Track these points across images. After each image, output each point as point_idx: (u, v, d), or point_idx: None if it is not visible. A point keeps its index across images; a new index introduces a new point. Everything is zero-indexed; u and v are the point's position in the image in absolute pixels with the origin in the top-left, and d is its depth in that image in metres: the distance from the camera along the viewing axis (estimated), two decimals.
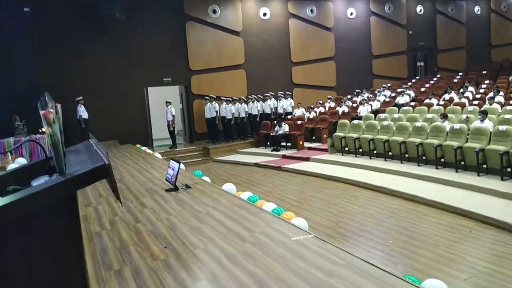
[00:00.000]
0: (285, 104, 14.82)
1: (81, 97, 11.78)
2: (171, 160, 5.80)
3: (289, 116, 14.21)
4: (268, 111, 14.41)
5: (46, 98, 0.94)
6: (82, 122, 11.74)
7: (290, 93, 14.83)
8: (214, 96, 13.64)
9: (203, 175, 6.96)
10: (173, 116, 12.85)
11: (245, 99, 14.29)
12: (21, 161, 7.47)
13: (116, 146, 12.10)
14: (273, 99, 14.58)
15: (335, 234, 5.76)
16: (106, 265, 3.23)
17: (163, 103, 13.17)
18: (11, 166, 6.65)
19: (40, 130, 9.70)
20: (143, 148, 11.22)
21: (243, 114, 13.90)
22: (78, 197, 4.29)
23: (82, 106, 11.82)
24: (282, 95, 14.90)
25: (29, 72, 10.42)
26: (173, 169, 5.63)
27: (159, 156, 9.65)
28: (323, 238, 5.52)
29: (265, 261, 3.05)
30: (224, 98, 13.77)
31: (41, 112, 0.95)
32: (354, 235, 5.72)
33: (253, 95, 14.41)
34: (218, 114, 13.53)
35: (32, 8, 11.30)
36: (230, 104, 13.69)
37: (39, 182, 1.16)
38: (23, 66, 10.27)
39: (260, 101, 14.41)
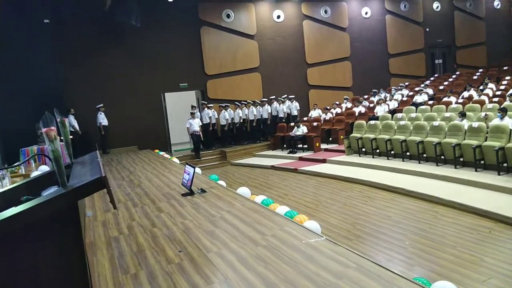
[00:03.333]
0: (291, 107, 14.50)
1: (101, 105, 12.08)
2: (186, 165, 5.90)
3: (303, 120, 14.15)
4: (266, 115, 14.26)
5: (48, 117, 1.01)
6: (102, 129, 12.03)
7: (294, 96, 14.62)
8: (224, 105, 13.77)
9: (218, 179, 7.05)
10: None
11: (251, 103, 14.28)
12: (44, 168, 7.71)
13: (135, 151, 12.35)
14: (275, 102, 14.42)
15: (351, 236, 5.75)
16: (123, 269, 3.33)
17: (180, 108, 13.33)
18: (34, 174, 6.88)
19: (61, 138, 9.99)
20: (161, 153, 11.41)
21: (251, 117, 14.04)
22: (97, 203, 4.39)
23: (102, 113, 12.11)
24: (283, 99, 14.48)
25: (51, 81, 10.73)
26: (188, 174, 5.73)
27: (177, 161, 9.80)
28: (339, 240, 5.57)
29: (276, 264, 3.10)
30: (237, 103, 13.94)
31: (43, 130, 1.03)
32: (370, 236, 5.69)
33: (248, 100, 14.27)
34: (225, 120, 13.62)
35: (52, 19, 11.66)
36: (245, 108, 13.83)
37: (49, 192, 1.24)
38: (45, 76, 10.59)
39: (266, 105, 14.28)
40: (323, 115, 14.21)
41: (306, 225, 3.91)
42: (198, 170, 7.82)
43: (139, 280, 3.08)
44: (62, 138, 1.76)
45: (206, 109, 13.45)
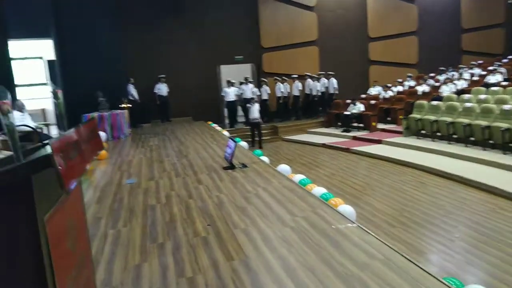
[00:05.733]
0: (329, 85, 13.81)
1: (163, 75, 12.43)
2: (229, 139, 5.90)
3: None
4: (296, 93, 13.64)
5: (0, 90, 0.98)
6: (157, 98, 12.42)
7: (333, 73, 13.90)
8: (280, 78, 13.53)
9: (262, 155, 6.99)
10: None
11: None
12: (102, 134, 8.16)
13: (190, 122, 12.64)
14: (309, 79, 13.73)
15: (395, 222, 5.44)
16: (152, 237, 3.42)
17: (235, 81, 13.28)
18: None
19: (120, 106, 10.49)
20: (214, 125, 11.57)
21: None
22: (144, 172, 4.57)
23: (160, 83, 12.48)
24: (317, 76, 13.83)
25: (112, 51, 11.21)
26: (230, 148, 5.73)
27: (227, 133, 9.88)
28: (381, 226, 5.33)
29: (300, 248, 2.99)
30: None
31: None
32: (416, 225, 5.35)
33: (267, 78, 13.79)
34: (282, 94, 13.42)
35: None
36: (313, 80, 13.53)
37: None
38: (107, 45, 11.07)
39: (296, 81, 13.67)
40: (383, 93, 13.49)
41: (340, 209, 3.73)
42: (244, 144, 7.83)
43: (164, 250, 3.14)
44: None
45: (264, 85, 13.38)
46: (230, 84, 12.52)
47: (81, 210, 1.58)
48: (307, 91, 13.75)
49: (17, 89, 10.48)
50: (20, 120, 6.54)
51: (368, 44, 15.20)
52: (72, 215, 1.38)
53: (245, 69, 14.65)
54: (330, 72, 13.83)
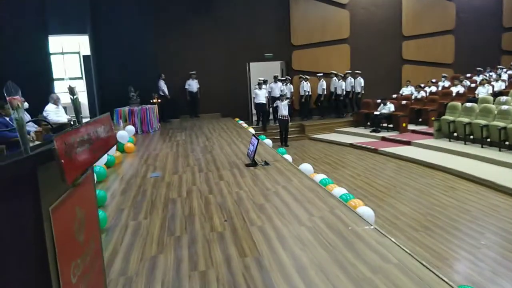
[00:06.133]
0: (355, 84, 13.48)
1: (194, 71, 12.64)
2: (253, 136, 5.94)
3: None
4: (320, 91, 13.46)
5: (11, 86, 1.04)
6: (188, 94, 12.64)
7: (360, 72, 13.59)
8: (308, 77, 13.43)
9: (286, 153, 6.98)
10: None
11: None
12: (130, 129, 8.41)
13: (217, 119, 12.79)
14: (334, 78, 13.45)
15: (419, 227, 5.31)
16: (170, 230, 3.51)
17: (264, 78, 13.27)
18: (121, 133, 7.53)
19: (151, 101, 10.75)
20: (240, 122, 11.65)
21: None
22: (169, 166, 4.71)
23: (191, 79, 12.69)
24: (342, 75, 13.56)
25: (145, 47, 11.50)
26: (253, 145, 5.76)
27: (252, 131, 9.93)
28: (404, 229, 5.23)
29: (314, 248, 2.99)
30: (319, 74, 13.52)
31: (7, 98, 1.06)
32: (441, 230, 5.20)
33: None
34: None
35: None
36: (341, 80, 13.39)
37: None
38: (140, 42, 11.37)
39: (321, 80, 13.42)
40: (415, 93, 13.12)
41: (358, 211, 3.69)
42: (269, 142, 7.85)
43: (180, 243, 3.22)
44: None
45: (303, 81, 13.32)
46: (260, 85, 12.33)
47: (93, 201, 1.64)
48: (332, 90, 13.60)
49: (55, 82, 10.96)
50: (55, 112, 6.86)
51: (402, 43, 14.80)
52: (82, 205, 1.45)
53: (274, 67, 14.64)
54: (357, 71, 13.58)
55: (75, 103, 1.53)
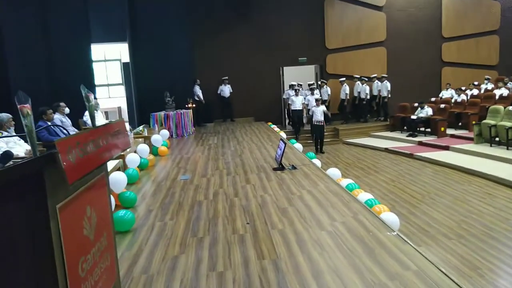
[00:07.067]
0: (382, 88, 13.16)
1: (226, 77, 12.87)
2: (280, 141, 5.97)
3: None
4: (343, 96, 13.36)
5: (22, 95, 1.15)
6: (220, 99, 12.87)
7: (386, 75, 13.27)
8: (344, 79, 13.31)
9: (315, 157, 6.95)
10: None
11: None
12: (165, 133, 8.67)
13: (250, 123, 12.90)
14: (358, 82, 13.25)
15: (452, 234, 5.12)
16: (193, 231, 3.61)
17: (298, 82, 13.24)
18: (155, 137, 7.79)
19: (186, 106, 11.05)
20: (273, 126, 11.69)
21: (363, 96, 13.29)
22: (199, 169, 4.87)
23: (223, 85, 12.92)
24: (366, 78, 13.29)
25: (182, 54, 11.85)
26: (280, 149, 5.79)
27: (284, 135, 9.94)
28: (435, 237, 5.08)
29: (332, 253, 2.98)
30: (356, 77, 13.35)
31: (18, 106, 1.17)
32: (476, 239, 4.98)
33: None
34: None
35: None
36: (365, 84, 13.18)
37: None
38: (177, 49, 11.74)
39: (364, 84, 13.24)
40: (456, 96, 12.62)
41: (382, 217, 3.63)
42: (299, 146, 7.85)
43: (202, 244, 3.31)
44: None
45: (325, 86, 13.26)
46: (296, 92, 12.17)
47: (106, 201, 1.75)
48: (355, 94, 13.41)
49: (96, 88, 11.52)
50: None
51: (442, 45, 14.29)
52: (93, 205, 1.55)
53: (309, 71, 14.60)
54: (384, 75, 13.30)
55: (91, 109, 1.64)
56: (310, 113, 11.27)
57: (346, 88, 13.34)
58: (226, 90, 12.98)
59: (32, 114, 1.18)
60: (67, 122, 6.60)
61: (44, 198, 1.15)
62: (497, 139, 9.13)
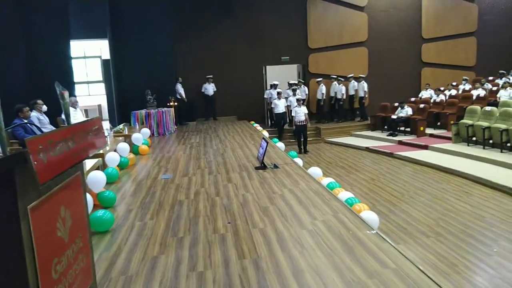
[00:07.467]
0: (359, 88, 13.31)
1: (211, 75, 12.79)
2: (262, 139, 5.97)
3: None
4: (319, 96, 13.49)
5: None
6: (204, 98, 12.78)
7: (364, 76, 13.53)
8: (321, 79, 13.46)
9: (296, 156, 6.98)
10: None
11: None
12: (146, 131, 8.56)
13: (233, 121, 12.87)
14: (335, 82, 13.37)
15: (430, 232, 5.22)
16: (173, 231, 3.58)
17: (280, 82, 13.23)
18: (136, 136, 7.68)
19: (168, 104, 10.92)
20: (255, 125, 11.69)
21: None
22: (180, 168, 4.82)
23: (207, 83, 12.84)
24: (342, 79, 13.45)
25: (163, 51, 11.71)
26: (262, 148, 5.79)
27: (266, 134, 9.95)
28: (414, 235, 5.16)
29: (312, 251, 2.99)
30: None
31: None
32: (453, 236, 5.09)
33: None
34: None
35: None
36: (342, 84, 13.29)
37: None
38: (158, 46, 11.59)
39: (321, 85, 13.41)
40: (434, 97, 12.87)
41: (362, 216, 3.66)
42: (281, 145, 7.86)
43: (182, 244, 3.28)
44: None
45: (302, 86, 13.29)
46: (279, 95, 11.90)
47: (81, 201, 1.71)
48: (331, 94, 13.50)
49: (76, 86, 11.27)
50: (72, 115, 7.05)
51: (421, 46, 14.56)
52: (68, 205, 1.51)
53: (291, 70, 14.64)
54: (362, 75, 13.47)
55: (65, 107, 1.60)
56: (293, 113, 11.21)
57: (322, 88, 13.40)
58: (209, 88, 12.91)
59: (1, 111, 1.14)
60: (45, 120, 6.44)
61: (14, 199, 1.11)
62: (474, 138, 9.35)
